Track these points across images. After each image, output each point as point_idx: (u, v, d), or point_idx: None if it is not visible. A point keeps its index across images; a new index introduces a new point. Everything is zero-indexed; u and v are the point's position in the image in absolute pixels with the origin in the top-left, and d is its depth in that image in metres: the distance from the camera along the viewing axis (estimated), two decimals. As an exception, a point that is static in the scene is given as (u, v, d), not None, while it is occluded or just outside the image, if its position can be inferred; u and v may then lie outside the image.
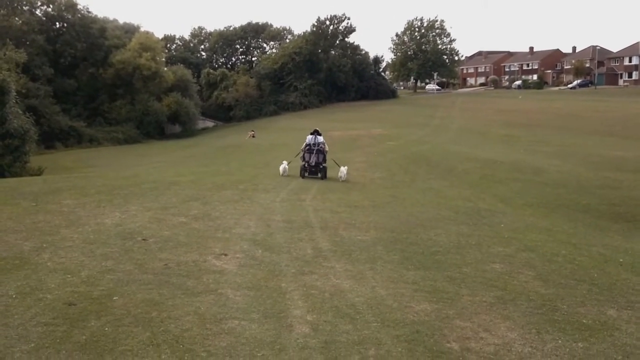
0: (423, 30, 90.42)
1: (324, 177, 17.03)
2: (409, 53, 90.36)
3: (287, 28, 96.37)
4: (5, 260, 6.16)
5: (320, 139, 17.36)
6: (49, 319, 4.51)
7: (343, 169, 16.93)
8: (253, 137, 43.30)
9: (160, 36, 77.40)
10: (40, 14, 60.82)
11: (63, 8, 60.30)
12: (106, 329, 4.37)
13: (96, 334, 4.25)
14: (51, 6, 60.84)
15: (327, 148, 17.55)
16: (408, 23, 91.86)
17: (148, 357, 3.90)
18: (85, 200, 10.52)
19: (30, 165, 28.67)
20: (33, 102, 46.03)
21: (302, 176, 17.12)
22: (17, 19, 56.30)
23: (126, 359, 3.87)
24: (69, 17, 60.66)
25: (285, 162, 17.76)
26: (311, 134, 17.49)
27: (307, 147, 17.18)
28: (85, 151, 45.93)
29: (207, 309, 4.89)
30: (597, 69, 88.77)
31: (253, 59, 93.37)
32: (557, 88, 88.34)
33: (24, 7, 58.66)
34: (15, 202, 10.10)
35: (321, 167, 17.16)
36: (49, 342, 4.06)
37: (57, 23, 61.54)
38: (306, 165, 17.20)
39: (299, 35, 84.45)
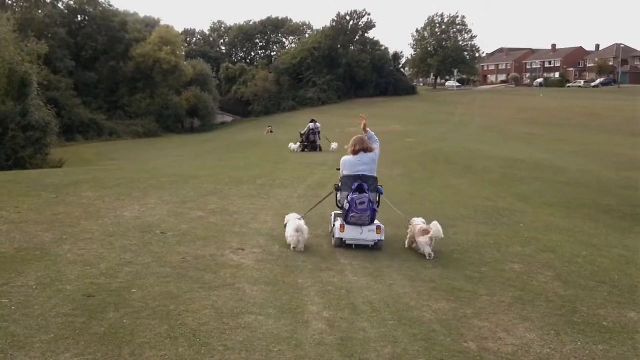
0: (444, 26, 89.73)
1: (320, 150, 24.86)
2: (429, 49, 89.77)
3: (307, 23, 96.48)
4: (26, 251, 6.25)
5: (318, 124, 25.35)
6: (69, 310, 4.56)
7: (334, 143, 23.85)
8: (271, 132, 43.36)
9: (180, 30, 78.11)
10: (62, 7, 61.51)
11: (85, 1, 60.92)
12: (124, 321, 4.40)
13: (115, 326, 4.29)
14: (73, -1, 61.56)
15: (320, 130, 25.50)
16: (428, 19, 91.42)
17: (165, 350, 3.92)
18: (105, 193, 10.63)
19: (51, 157, 29.11)
20: (54, 94, 46.66)
21: (303, 150, 24.98)
22: (39, 11, 56.96)
23: (144, 351, 3.90)
24: (91, 10, 61.36)
25: (292, 143, 25.54)
26: (311, 122, 25.42)
27: (311, 131, 25.06)
28: (106, 144, 46.41)
29: (225, 303, 4.91)
30: (621, 68, 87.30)
31: (272, 53, 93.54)
32: (578, 83, 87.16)
33: (46, 0, 59.34)
34: (36, 194, 10.24)
35: (318, 143, 25.25)
36: (68, 333, 4.11)
37: (79, 16, 62.27)
38: (307, 143, 25.14)
39: (318, 31, 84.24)
